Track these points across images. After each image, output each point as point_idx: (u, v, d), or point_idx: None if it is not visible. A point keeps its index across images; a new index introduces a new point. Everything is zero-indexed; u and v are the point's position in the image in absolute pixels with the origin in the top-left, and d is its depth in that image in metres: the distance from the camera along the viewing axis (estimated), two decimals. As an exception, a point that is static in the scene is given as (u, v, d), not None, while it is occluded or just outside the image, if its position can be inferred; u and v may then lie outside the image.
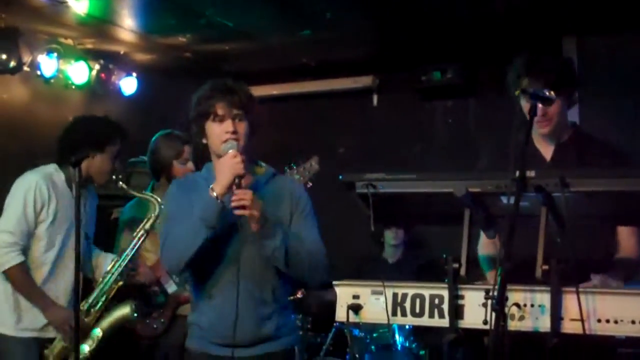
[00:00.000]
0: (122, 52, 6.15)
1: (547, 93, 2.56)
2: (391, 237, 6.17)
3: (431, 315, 2.59)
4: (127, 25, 5.57)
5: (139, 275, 4.21)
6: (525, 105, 2.62)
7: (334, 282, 2.77)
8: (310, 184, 4.20)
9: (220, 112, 2.91)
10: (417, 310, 2.60)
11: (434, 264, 5.55)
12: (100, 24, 5.48)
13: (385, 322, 2.63)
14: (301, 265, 2.93)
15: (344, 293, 2.71)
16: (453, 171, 2.77)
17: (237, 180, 2.82)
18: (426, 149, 6.81)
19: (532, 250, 2.48)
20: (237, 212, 2.80)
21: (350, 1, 5.17)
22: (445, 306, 2.56)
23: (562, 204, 2.44)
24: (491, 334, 2.31)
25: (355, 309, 2.68)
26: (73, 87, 5.95)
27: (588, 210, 2.61)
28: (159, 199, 4.07)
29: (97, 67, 6.06)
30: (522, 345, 2.45)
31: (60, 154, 3.97)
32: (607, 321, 2.35)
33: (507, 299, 2.33)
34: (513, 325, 2.42)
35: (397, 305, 2.62)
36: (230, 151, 2.86)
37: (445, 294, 2.56)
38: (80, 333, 3.69)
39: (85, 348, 4.00)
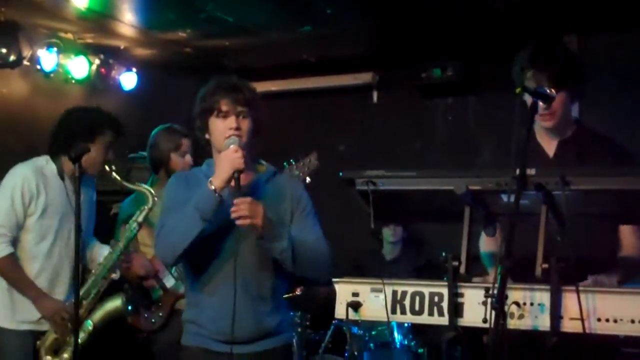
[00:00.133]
0: (122, 47, 6.13)
1: (549, 91, 2.55)
2: (389, 234, 6.18)
3: (430, 313, 2.58)
4: (127, 20, 5.56)
5: (134, 267, 4.19)
6: (529, 99, 2.61)
7: (333, 280, 2.76)
8: (309, 180, 4.19)
9: (224, 108, 2.91)
10: (417, 308, 2.60)
11: (434, 262, 5.55)
12: (100, 19, 5.47)
13: (385, 319, 2.63)
14: (307, 264, 2.94)
15: (343, 290, 2.71)
16: (453, 169, 2.77)
17: (236, 175, 2.81)
18: (426, 146, 6.80)
19: (532, 249, 2.47)
20: (238, 222, 2.80)
21: (350, -2, 5.18)
22: (445, 304, 2.55)
23: (562, 202, 2.43)
24: (490, 333, 2.30)
25: (355, 306, 2.67)
26: (73, 81, 5.95)
27: (588, 209, 2.60)
28: (152, 191, 4.06)
29: (97, 61, 6.06)
30: (522, 344, 2.45)
31: (52, 145, 3.96)
32: (607, 320, 2.35)
33: (506, 297, 2.33)
34: (512, 323, 2.41)
35: (396, 302, 2.62)
36: (232, 146, 2.86)
37: (444, 292, 2.56)
38: (71, 325, 3.70)
39: (77, 340, 3.99)
